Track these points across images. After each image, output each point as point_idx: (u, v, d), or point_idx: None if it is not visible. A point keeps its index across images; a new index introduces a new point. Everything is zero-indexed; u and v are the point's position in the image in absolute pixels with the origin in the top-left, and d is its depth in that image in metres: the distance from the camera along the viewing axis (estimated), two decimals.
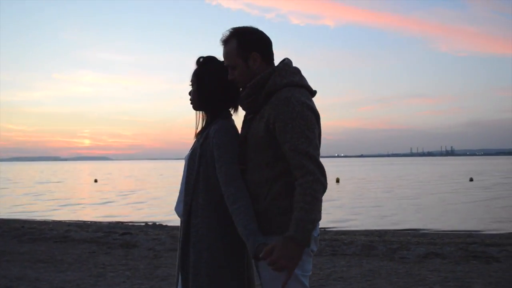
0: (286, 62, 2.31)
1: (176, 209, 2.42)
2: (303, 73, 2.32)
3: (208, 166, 2.31)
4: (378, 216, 17.13)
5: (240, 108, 2.44)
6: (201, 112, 2.51)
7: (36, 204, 22.64)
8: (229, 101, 2.45)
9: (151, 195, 27.46)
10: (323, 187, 2.09)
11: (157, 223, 13.80)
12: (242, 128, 2.37)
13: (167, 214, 18.32)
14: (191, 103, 2.48)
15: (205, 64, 2.45)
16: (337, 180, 37.96)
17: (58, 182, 45.25)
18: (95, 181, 43.62)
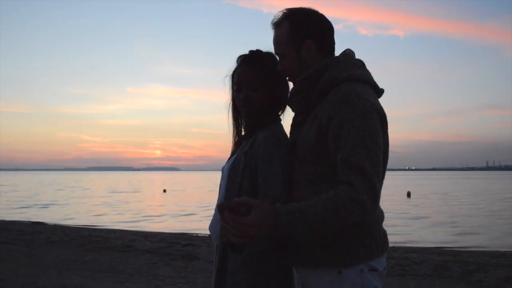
0: (348, 53, 1.91)
1: (211, 228, 2.08)
2: None
3: (253, 180, 1.94)
4: (452, 233, 16.20)
5: (288, 109, 2.06)
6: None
7: (106, 214, 23.31)
8: (282, 103, 2.08)
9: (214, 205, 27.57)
10: (363, 212, 1.63)
11: None
12: (291, 133, 1.99)
13: None
14: (248, 110, 2.03)
15: (270, 61, 2.04)
16: (408, 194, 36.56)
17: (127, 192, 46.69)
18: (164, 191, 44.57)
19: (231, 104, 2.17)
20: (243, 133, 2.18)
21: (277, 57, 1.99)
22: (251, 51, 2.08)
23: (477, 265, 7.98)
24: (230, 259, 1.94)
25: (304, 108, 1.90)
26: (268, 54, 2.07)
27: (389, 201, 29.03)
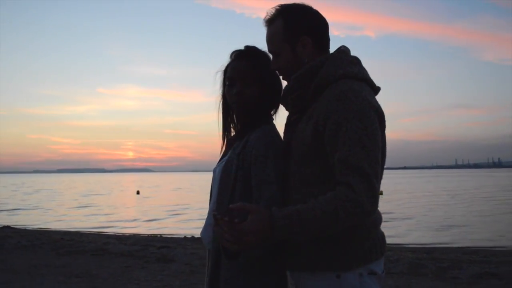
0: (343, 50, 1.85)
1: (203, 234, 1.97)
2: None
3: (247, 182, 1.85)
4: (425, 230, 16.43)
5: (282, 108, 1.97)
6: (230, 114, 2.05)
7: (78, 217, 22.91)
8: (274, 101, 1.99)
9: (191, 207, 27.39)
10: (362, 215, 1.58)
11: (196, 236, 13.57)
12: (285, 133, 1.91)
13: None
14: (240, 106, 1.95)
15: (265, 58, 1.96)
16: (380, 193, 36.94)
17: (99, 194, 46.00)
18: (138, 193, 44.05)
19: (221, 102, 2.07)
20: (233, 132, 2.09)
21: (271, 56, 1.92)
22: (246, 47, 2.00)
23: (451, 262, 8.08)
24: (224, 265, 1.85)
25: (299, 107, 1.83)
26: (263, 52, 1.99)
27: None
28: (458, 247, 12.19)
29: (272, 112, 2.02)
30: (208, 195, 2.09)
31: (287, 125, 1.91)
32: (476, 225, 17.65)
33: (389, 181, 68.14)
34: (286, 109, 1.95)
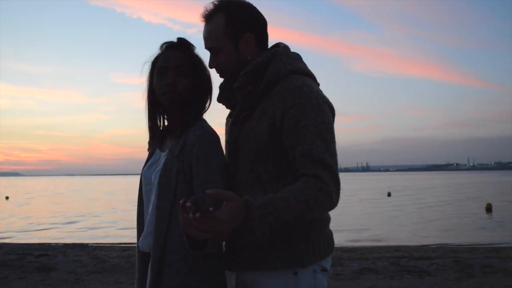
0: (285, 46, 1.83)
1: (142, 243, 1.86)
2: None
3: (188, 183, 1.76)
4: None
5: (211, 108, 1.91)
6: (156, 112, 1.91)
7: None
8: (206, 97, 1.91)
9: (67, 213, 26.01)
10: (330, 204, 1.61)
11: (77, 243, 12.93)
12: (231, 131, 1.82)
13: (86, 230, 17.45)
14: (173, 97, 1.81)
15: (193, 48, 1.88)
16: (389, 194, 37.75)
17: None
18: (7, 198, 40.79)
19: (147, 96, 1.91)
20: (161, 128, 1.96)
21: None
22: (179, 38, 1.89)
23: (332, 259, 8.55)
24: (168, 272, 1.75)
25: (249, 103, 1.77)
26: (194, 46, 1.91)
27: None
28: (337, 247, 12.88)
29: (204, 110, 1.91)
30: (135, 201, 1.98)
31: (233, 123, 1.83)
32: (349, 224, 18.77)
33: None
34: (227, 107, 1.91)
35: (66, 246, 12.12)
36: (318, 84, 1.82)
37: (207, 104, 1.91)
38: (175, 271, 1.74)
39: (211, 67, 1.84)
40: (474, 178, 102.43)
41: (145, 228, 1.87)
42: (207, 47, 1.83)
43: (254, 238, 1.59)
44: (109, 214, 25.37)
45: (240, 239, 1.71)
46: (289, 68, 1.75)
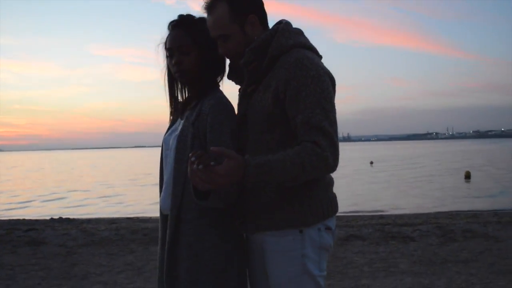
0: (287, 22, 1.96)
1: (163, 203, 1.99)
2: None
3: (204, 150, 1.86)
4: None
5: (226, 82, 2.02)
6: (180, 84, 2.04)
7: None
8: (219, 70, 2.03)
9: (49, 188, 25.91)
10: (326, 168, 1.73)
11: (64, 217, 12.95)
12: (239, 104, 1.97)
13: (72, 207, 17.47)
14: (182, 76, 1.95)
15: (200, 24, 1.96)
16: None
17: None
18: None
19: (166, 73, 2.07)
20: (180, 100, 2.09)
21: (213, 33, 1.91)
22: (180, 15, 2.00)
23: None
24: (184, 230, 1.88)
25: (255, 78, 1.89)
26: (198, 18, 2.00)
27: None
28: None
29: (218, 79, 2.04)
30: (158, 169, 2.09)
31: (241, 96, 1.97)
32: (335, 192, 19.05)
33: None
34: (236, 83, 2.02)
35: (53, 220, 12.14)
36: (320, 57, 1.94)
37: (221, 74, 2.03)
38: (191, 229, 1.88)
39: (222, 52, 1.93)
40: (453, 147, 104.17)
41: (163, 190, 2.00)
42: (215, 36, 1.91)
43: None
44: (96, 189, 25.33)
45: (247, 204, 1.88)
46: (291, 42, 1.86)
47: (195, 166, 1.63)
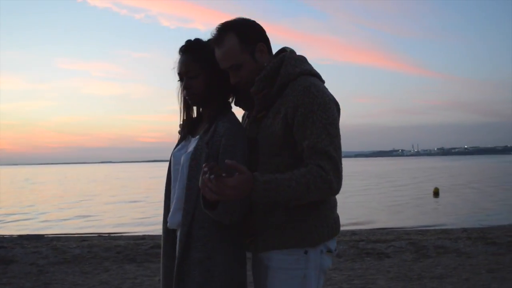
0: (291, 51, 2.06)
1: (172, 219, 2.04)
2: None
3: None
4: None
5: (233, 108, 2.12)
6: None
7: None
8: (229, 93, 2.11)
9: (15, 204, 25.25)
10: (329, 191, 1.82)
11: (32, 234, 12.62)
12: (250, 130, 2.03)
13: (40, 223, 17.04)
14: (192, 99, 2.06)
15: (207, 47, 2.04)
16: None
17: None
18: None
19: (179, 94, 2.14)
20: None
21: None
22: (187, 41, 2.08)
23: None
24: (196, 246, 1.92)
25: (265, 104, 1.98)
26: (205, 42, 2.07)
27: None
28: None
29: (226, 100, 2.11)
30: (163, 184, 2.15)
31: (251, 122, 2.03)
32: None
33: None
34: (244, 109, 2.12)
35: (22, 237, 11.82)
36: (324, 82, 2.03)
37: (229, 96, 2.11)
38: (202, 246, 1.92)
39: (234, 82, 2.00)
40: (419, 164, 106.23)
41: (173, 205, 2.04)
42: (226, 67, 1.98)
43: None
44: (63, 205, 24.81)
45: (257, 223, 1.95)
46: (298, 70, 1.96)
47: (206, 176, 1.71)
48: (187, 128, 2.15)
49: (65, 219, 18.41)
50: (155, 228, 14.46)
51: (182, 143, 2.15)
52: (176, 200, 2.03)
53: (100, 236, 12.31)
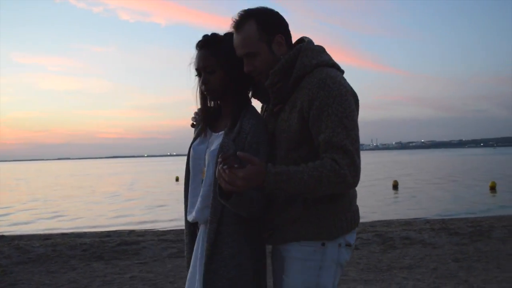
0: (309, 41, 2.01)
1: (198, 216, 2.05)
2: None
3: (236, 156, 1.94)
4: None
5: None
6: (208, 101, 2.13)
7: None
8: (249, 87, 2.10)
9: None
10: (344, 185, 1.79)
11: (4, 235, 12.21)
12: (267, 124, 2.01)
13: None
14: (210, 93, 2.05)
15: (224, 42, 2.01)
16: (177, 179, 37.66)
17: None
18: None
19: (197, 90, 2.14)
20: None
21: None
22: (204, 36, 2.05)
23: None
24: (227, 242, 1.94)
25: (281, 98, 1.95)
26: (223, 36, 2.05)
27: (159, 186, 29.55)
28: None
29: (246, 94, 2.10)
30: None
31: (268, 116, 2.01)
32: None
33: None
34: (262, 102, 2.08)
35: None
36: (343, 72, 1.99)
37: (248, 90, 2.10)
38: (234, 241, 1.95)
39: (247, 71, 1.96)
40: (378, 158, 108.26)
41: (198, 201, 2.03)
42: (242, 54, 1.95)
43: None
44: (23, 203, 24.09)
45: (276, 217, 1.95)
46: (314, 62, 1.92)
47: (220, 166, 1.76)
48: (206, 122, 2.14)
49: (25, 218, 17.88)
50: (119, 222, 14.27)
51: (201, 137, 2.14)
52: (203, 198, 2.03)
53: (63, 234, 12.00)
